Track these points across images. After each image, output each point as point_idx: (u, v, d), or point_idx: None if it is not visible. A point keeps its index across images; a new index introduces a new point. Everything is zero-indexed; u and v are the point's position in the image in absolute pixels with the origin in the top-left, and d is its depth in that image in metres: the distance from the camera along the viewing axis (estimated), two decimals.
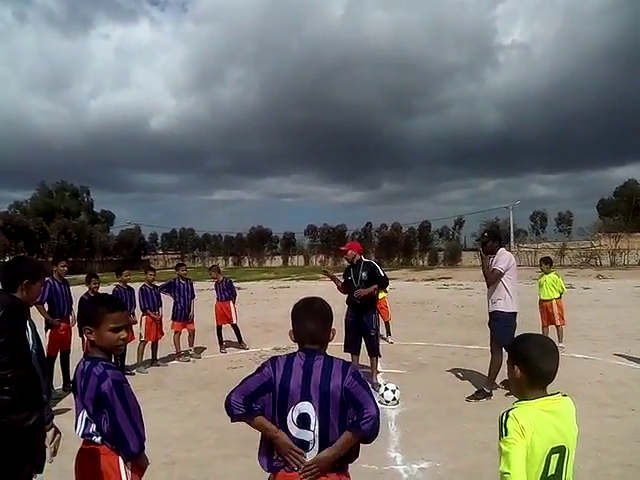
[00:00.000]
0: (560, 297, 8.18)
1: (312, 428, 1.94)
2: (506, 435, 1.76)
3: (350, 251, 6.28)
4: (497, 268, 5.53)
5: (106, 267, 40.90)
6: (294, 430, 1.96)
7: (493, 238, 5.82)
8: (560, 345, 8.00)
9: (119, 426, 2.00)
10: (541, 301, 8.30)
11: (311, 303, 2.18)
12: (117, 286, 7.31)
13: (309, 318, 2.09)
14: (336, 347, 7.34)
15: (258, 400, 1.98)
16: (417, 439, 4.49)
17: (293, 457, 1.95)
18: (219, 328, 8.82)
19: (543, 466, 1.77)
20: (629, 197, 44.45)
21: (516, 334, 4.65)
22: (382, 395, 5.45)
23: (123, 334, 2.14)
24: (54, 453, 2.28)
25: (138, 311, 7.59)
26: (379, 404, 5.23)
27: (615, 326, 10.17)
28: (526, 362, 1.86)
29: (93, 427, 2.04)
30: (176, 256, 54.39)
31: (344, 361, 2.06)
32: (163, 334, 7.85)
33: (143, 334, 7.54)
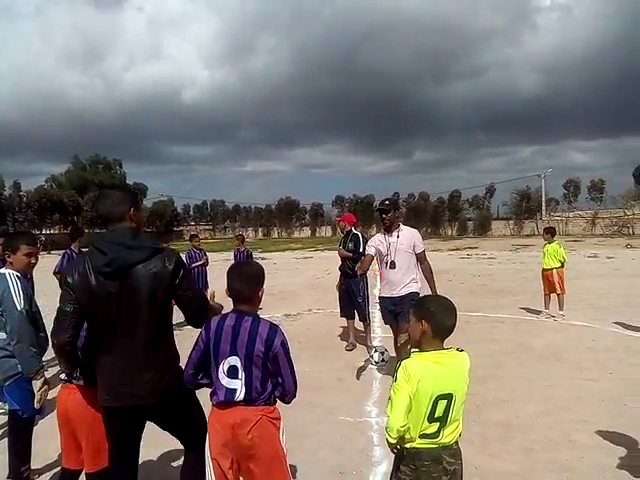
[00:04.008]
0: (562, 266, 8.30)
1: (240, 377, 2.24)
2: (395, 382, 2.07)
3: (341, 222, 6.87)
4: (422, 249, 4.96)
5: None
6: (225, 380, 2.24)
7: (396, 207, 5.08)
8: (560, 313, 8.17)
9: None
10: (543, 270, 8.44)
11: (240, 266, 2.47)
12: None
13: (236, 279, 2.30)
14: (334, 313, 7.79)
15: (204, 366, 2.30)
16: None
17: None
18: None
19: (430, 408, 2.06)
20: None
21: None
22: (372, 356, 5.81)
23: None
24: (40, 400, 2.80)
25: None
26: (370, 365, 5.66)
27: (626, 295, 10.16)
28: (433, 317, 2.12)
29: None
30: (208, 227, 55.66)
31: (271, 324, 2.29)
32: None
33: None
